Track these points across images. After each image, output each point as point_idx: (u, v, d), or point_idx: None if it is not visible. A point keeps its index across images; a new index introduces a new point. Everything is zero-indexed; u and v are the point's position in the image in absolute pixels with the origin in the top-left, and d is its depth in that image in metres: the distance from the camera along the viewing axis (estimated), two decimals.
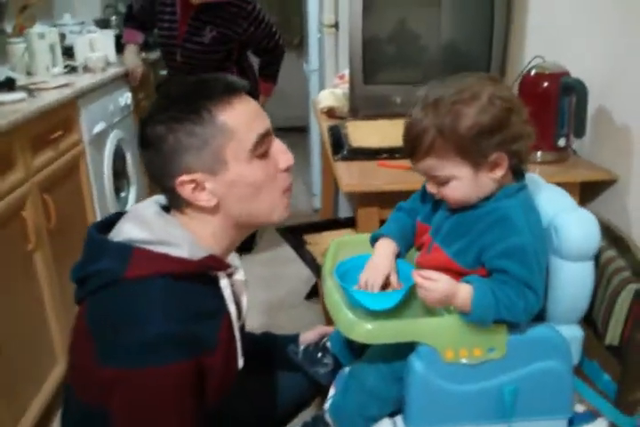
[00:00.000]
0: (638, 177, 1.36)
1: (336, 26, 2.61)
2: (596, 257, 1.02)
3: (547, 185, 1.09)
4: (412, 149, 0.95)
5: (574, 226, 0.96)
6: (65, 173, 1.99)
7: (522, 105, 0.95)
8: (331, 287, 1.04)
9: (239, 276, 1.02)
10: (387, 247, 1.06)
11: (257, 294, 2.47)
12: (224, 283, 0.96)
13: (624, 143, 1.39)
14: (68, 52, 2.65)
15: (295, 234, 1.84)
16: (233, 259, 1.04)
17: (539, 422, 1.01)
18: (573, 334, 1.01)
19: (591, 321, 1.07)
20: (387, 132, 1.74)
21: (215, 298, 0.96)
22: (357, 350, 1.15)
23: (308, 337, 1.28)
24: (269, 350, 1.30)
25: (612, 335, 0.99)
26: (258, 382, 1.26)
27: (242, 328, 1.04)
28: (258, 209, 0.95)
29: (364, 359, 1.08)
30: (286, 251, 2.82)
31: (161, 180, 0.93)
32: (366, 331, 0.94)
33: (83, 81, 2.26)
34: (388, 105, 2.03)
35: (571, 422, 1.05)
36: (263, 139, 0.92)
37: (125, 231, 0.92)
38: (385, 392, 1.03)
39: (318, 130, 2.72)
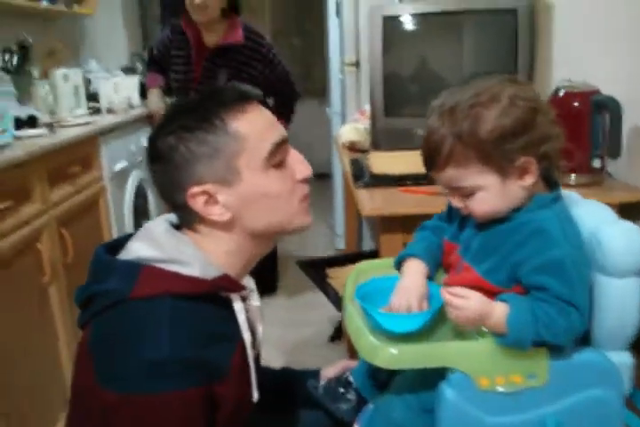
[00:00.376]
0: None
1: (357, 64, 2.62)
2: None
3: (584, 200, 1.02)
4: (431, 159, 0.88)
5: (618, 238, 0.88)
6: (84, 209, 1.97)
7: (547, 105, 0.89)
8: (352, 313, 0.96)
9: (254, 301, 0.95)
10: (416, 267, 0.97)
11: (280, 335, 2.38)
12: (238, 306, 0.89)
13: None
14: (93, 98, 2.69)
15: (317, 268, 1.76)
16: (248, 282, 0.98)
17: None
18: (622, 360, 0.91)
19: None
20: (409, 161, 1.67)
21: (228, 322, 0.88)
22: (382, 384, 1.06)
23: (329, 372, 1.18)
24: (289, 385, 1.21)
25: None
26: (276, 420, 1.17)
27: (257, 359, 0.96)
28: (276, 220, 0.89)
29: (390, 391, 0.99)
30: (309, 294, 2.78)
31: (172, 195, 0.87)
32: (391, 356, 0.86)
33: (104, 120, 2.27)
34: (410, 138, 1.98)
35: None
36: (278, 148, 0.87)
37: (134, 250, 0.87)
38: (413, 426, 0.93)
39: (341, 171, 2.69)
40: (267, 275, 2.72)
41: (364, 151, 2.05)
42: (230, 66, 2.41)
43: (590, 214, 0.95)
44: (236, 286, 0.88)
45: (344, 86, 2.79)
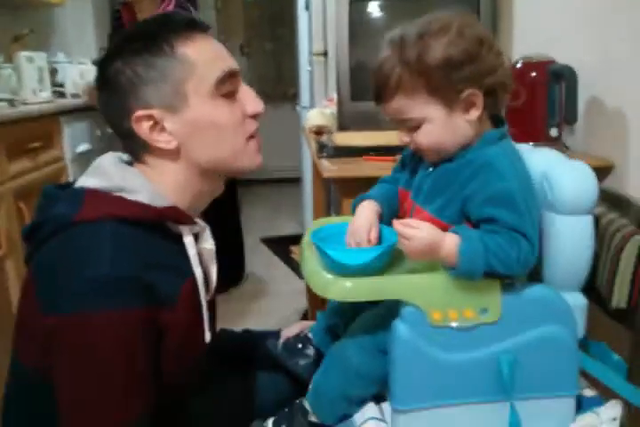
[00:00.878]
0: (635, 163, 1.30)
1: (325, 54, 2.63)
2: (596, 221, 0.95)
3: (536, 148, 1.03)
4: (379, 89, 0.88)
5: (567, 175, 0.89)
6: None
7: (493, 38, 0.89)
8: (308, 256, 0.96)
9: (208, 244, 0.93)
10: (368, 206, 0.97)
11: (247, 325, 2.35)
12: (188, 240, 0.88)
13: (617, 131, 1.34)
14: (60, 86, 2.65)
15: (281, 245, 1.75)
16: (202, 225, 0.96)
17: (542, 400, 0.90)
18: (575, 301, 0.91)
19: (595, 292, 0.98)
20: (373, 137, 1.69)
21: (178, 257, 0.87)
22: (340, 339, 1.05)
23: (290, 331, 1.17)
24: (249, 346, 1.20)
25: (619, 296, 0.89)
26: (236, 382, 1.15)
27: (211, 303, 0.95)
28: (222, 153, 0.88)
29: (345, 335, 0.97)
30: (275, 285, 2.76)
31: (118, 121, 0.86)
32: (343, 288, 0.85)
33: (67, 102, 2.25)
34: (376, 121, 1.98)
35: (580, 406, 0.93)
36: (228, 77, 0.86)
37: (81, 182, 0.86)
38: (368, 368, 0.92)
39: (311, 174, 2.66)
40: (234, 264, 2.69)
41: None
42: None
43: (541, 157, 0.97)
44: (186, 218, 0.87)
45: (312, 78, 2.81)
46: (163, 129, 0.84)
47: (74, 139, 2.18)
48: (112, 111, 0.86)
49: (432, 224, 0.86)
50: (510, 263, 0.82)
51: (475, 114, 0.87)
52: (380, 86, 0.87)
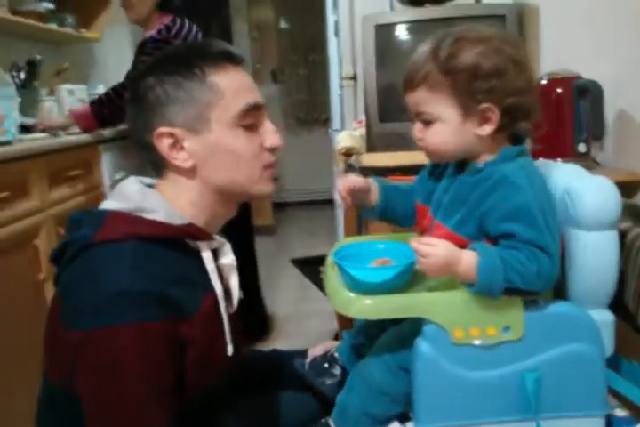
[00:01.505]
0: None
1: (354, 78, 2.67)
2: (622, 236, 0.94)
3: (559, 163, 1.02)
4: (408, 78, 0.90)
5: (590, 191, 0.88)
6: None
7: (529, 65, 0.90)
8: (330, 275, 0.97)
9: (228, 260, 0.95)
10: (367, 179, 1.03)
11: (277, 346, 2.35)
12: (206, 255, 0.90)
13: None
14: None
15: (310, 266, 1.77)
16: (220, 240, 0.98)
17: (570, 420, 0.88)
18: (602, 318, 0.90)
19: (623, 308, 0.96)
20: (400, 157, 1.71)
21: (197, 272, 0.89)
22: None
23: (316, 351, 1.18)
24: (277, 365, 1.21)
25: None
26: (263, 400, 1.16)
27: (234, 318, 0.96)
28: (236, 179, 0.91)
29: (369, 354, 0.98)
30: (307, 305, 2.77)
31: (141, 134, 0.90)
32: (364, 306, 0.86)
33: (106, 131, 2.32)
34: (405, 141, 1.99)
35: (610, 425, 0.91)
36: (252, 110, 0.90)
37: (103, 206, 0.90)
38: (391, 387, 0.92)
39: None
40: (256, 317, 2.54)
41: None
42: (139, 60, 2.18)
43: (563, 173, 0.96)
44: (203, 234, 0.90)
45: (342, 101, 2.84)
46: (182, 148, 0.88)
47: (112, 166, 2.25)
48: (137, 123, 0.91)
49: (451, 240, 0.87)
50: (530, 278, 0.81)
51: (487, 129, 0.88)
52: (410, 75, 0.90)
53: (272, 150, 0.94)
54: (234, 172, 0.90)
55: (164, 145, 0.87)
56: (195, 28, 2.22)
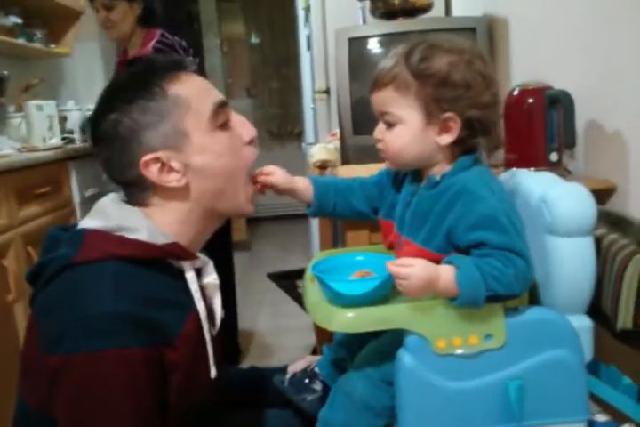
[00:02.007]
0: (637, 184, 1.30)
1: (327, 91, 2.67)
2: (597, 243, 0.94)
3: (532, 172, 1.03)
4: (378, 77, 0.91)
5: (566, 197, 0.89)
6: None
7: (497, 83, 0.91)
8: (309, 289, 0.96)
9: (211, 279, 0.93)
10: (300, 178, 1.04)
11: (254, 363, 2.32)
12: (190, 275, 0.88)
13: (618, 152, 1.34)
14: (69, 133, 2.69)
15: (287, 279, 1.75)
16: (204, 259, 0.97)
17: (553, 426, 0.88)
18: (581, 324, 0.90)
19: (601, 314, 0.96)
20: (375, 169, 1.70)
21: (181, 292, 0.87)
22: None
23: (296, 367, 1.16)
24: (257, 382, 1.19)
25: (624, 317, 0.88)
26: (244, 419, 1.14)
27: (216, 339, 0.94)
28: (226, 181, 0.90)
29: (351, 368, 0.96)
30: (283, 321, 2.74)
31: (123, 171, 0.87)
32: (346, 319, 0.85)
33: (75, 147, 2.29)
34: (380, 154, 2.01)
35: None
36: (220, 108, 0.89)
37: (82, 224, 0.87)
38: (375, 400, 0.91)
39: None
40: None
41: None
42: None
43: (538, 181, 0.97)
44: (187, 254, 0.87)
45: (316, 115, 2.85)
46: (170, 169, 0.85)
47: (82, 183, 2.22)
48: (115, 162, 0.87)
49: (422, 256, 0.86)
50: (510, 282, 0.81)
51: (446, 139, 0.88)
52: (379, 74, 0.90)
53: (251, 142, 0.93)
54: (224, 174, 0.89)
55: (153, 172, 0.84)
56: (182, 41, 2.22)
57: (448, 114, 0.87)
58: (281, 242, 4.59)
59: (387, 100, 0.90)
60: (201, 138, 0.86)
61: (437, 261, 0.85)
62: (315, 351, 2.26)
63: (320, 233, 2.51)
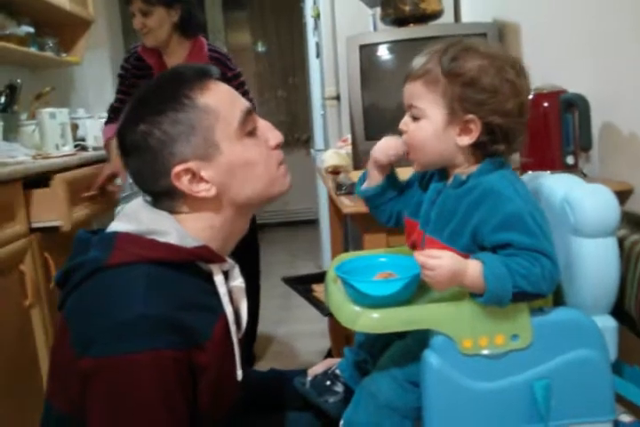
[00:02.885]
0: None
1: (337, 98, 2.69)
2: (620, 243, 0.95)
3: (552, 174, 1.04)
4: (410, 71, 0.92)
5: (589, 198, 0.90)
6: (69, 236, 1.96)
7: (527, 91, 0.92)
8: (332, 290, 0.96)
9: (237, 282, 0.94)
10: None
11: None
12: (219, 278, 0.88)
13: (634, 155, 1.35)
14: (81, 140, 2.72)
15: (302, 284, 1.76)
16: (231, 263, 0.97)
17: (579, 426, 0.88)
18: (605, 324, 0.90)
19: (625, 314, 0.96)
20: None
21: (210, 295, 0.87)
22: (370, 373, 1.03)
23: (317, 369, 1.16)
24: (277, 385, 1.19)
25: None
26: (265, 422, 1.14)
27: (241, 341, 0.95)
28: (260, 188, 0.90)
29: (375, 369, 0.96)
30: (295, 326, 2.74)
31: (155, 182, 0.87)
32: (371, 320, 0.85)
33: (89, 154, 2.30)
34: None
35: None
36: (248, 116, 0.89)
37: (112, 227, 0.88)
38: (401, 402, 0.91)
39: (328, 216, 2.67)
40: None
41: None
42: None
43: (560, 183, 0.97)
44: (216, 257, 0.88)
45: (326, 121, 2.86)
46: (201, 179, 0.86)
47: None
48: (146, 173, 0.87)
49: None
50: (537, 281, 0.81)
51: (465, 141, 0.89)
52: (413, 68, 0.92)
53: (277, 147, 0.94)
54: (257, 182, 0.89)
55: (184, 183, 0.85)
56: None
57: (470, 116, 0.88)
58: (289, 248, 4.60)
59: (415, 93, 0.91)
60: (230, 147, 0.87)
61: None
62: (329, 355, 2.26)
63: (331, 237, 2.51)
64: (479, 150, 0.91)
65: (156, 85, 0.91)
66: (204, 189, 0.86)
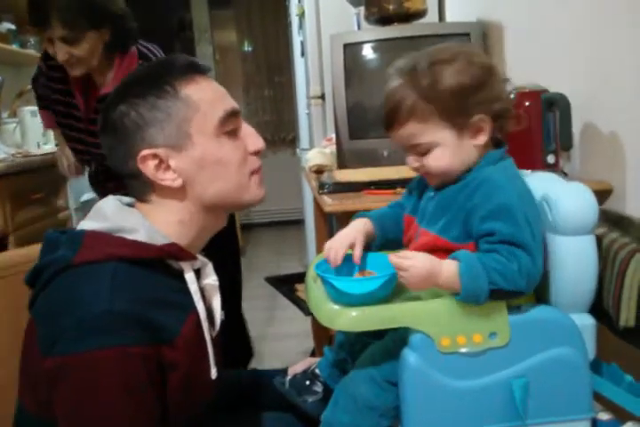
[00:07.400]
0: (633, 184, 1.31)
1: (322, 97, 2.68)
2: (598, 242, 0.95)
3: (535, 172, 1.04)
4: (392, 116, 0.90)
5: (568, 196, 0.90)
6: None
7: (497, 66, 0.93)
8: (312, 287, 0.96)
9: (210, 280, 0.93)
10: (359, 222, 0.99)
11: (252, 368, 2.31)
12: (189, 276, 0.88)
13: (614, 154, 1.35)
14: None
15: (286, 284, 1.75)
16: (203, 260, 0.96)
17: (557, 425, 0.88)
18: (584, 322, 0.90)
19: (603, 312, 0.97)
20: (373, 173, 1.71)
21: (180, 292, 0.86)
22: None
23: (296, 368, 1.16)
24: (257, 385, 1.18)
25: (626, 315, 0.88)
26: (245, 422, 1.13)
27: (216, 339, 0.94)
28: (226, 189, 0.89)
29: (354, 369, 0.96)
30: (280, 327, 2.73)
31: (123, 162, 0.87)
32: (350, 318, 0.85)
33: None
34: (376, 158, 2.01)
35: None
36: (230, 117, 0.89)
37: (81, 226, 0.87)
38: (379, 401, 0.90)
39: (313, 216, 2.67)
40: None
41: None
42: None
43: (540, 181, 0.98)
44: (185, 254, 0.87)
45: (311, 120, 2.85)
46: (168, 167, 0.85)
47: (78, 188, 2.21)
48: (117, 153, 0.88)
49: (437, 244, 0.88)
50: (513, 277, 0.81)
51: (482, 139, 0.89)
52: (392, 113, 0.90)
53: (256, 154, 0.93)
54: (224, 182, 0.88)
55: (149, 168, 0.85)
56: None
57: (477, 117, 0.88)
58: (275, 248, 4.59)
59: (411, 134, 0.90)
60: (205, 142, 0.86)
61: (452, 251, 0.86)
62: (313, 355, 2.26)
63: (316, 237, 2.51)
64: (490, 140, 0.92)
65: (146, 70, 0.92)
66: (169, 178, 0.86)
